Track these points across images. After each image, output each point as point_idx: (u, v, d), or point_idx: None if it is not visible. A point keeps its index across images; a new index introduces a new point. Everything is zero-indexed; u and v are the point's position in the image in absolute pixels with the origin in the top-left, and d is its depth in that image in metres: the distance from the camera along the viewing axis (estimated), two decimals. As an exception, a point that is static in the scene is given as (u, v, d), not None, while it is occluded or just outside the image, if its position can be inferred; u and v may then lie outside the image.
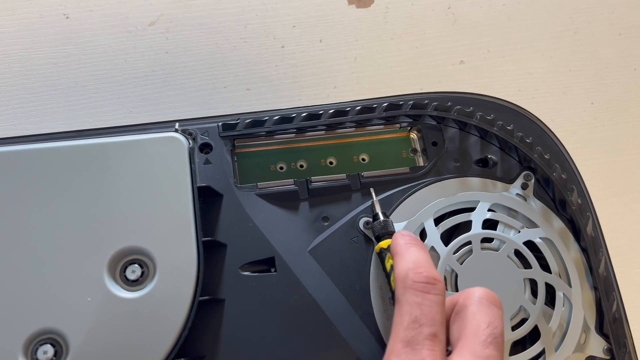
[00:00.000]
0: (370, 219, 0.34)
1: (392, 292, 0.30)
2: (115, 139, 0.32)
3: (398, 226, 0.33)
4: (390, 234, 0.32)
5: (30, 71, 0.44)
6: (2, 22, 0.45)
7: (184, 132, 0.34)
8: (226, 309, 0.31)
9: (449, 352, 0.27)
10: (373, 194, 0.34)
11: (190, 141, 0.33)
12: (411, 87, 0.47)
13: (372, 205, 0.34)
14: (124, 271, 0.30)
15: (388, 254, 0.31)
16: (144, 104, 0.44)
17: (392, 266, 0.30)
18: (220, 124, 0.35)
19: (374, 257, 0.33)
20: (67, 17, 0.45)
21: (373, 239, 0.33)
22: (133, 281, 0.30)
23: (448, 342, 0.27)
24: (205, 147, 0.35)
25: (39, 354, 0.28)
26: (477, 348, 0.25)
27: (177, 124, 0.34)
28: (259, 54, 0.46)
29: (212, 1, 0.47)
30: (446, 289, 0.31)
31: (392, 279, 0.30)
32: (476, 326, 0.26)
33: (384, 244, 0.32)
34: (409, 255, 0.28)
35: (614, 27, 0.50)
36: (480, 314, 0.26)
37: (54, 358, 0.28)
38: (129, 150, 0.31)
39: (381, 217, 0.33)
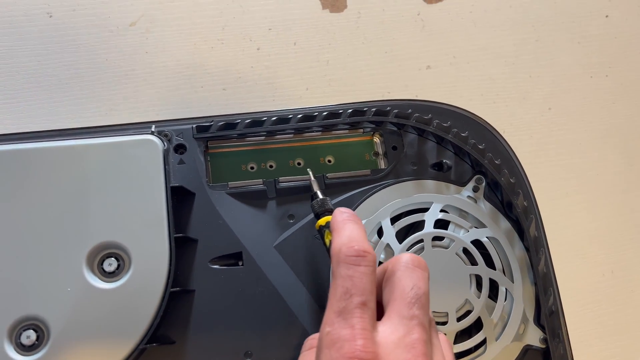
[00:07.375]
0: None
1: None
2: (94, 140, 0.34)
3: (355, 225, 0.36)
4: (329, 211, 0.34)
5: (15, 68, 0.46)
6: (-12, 21, 0.46)
7: (159, 133, 0.36)
8: (196, 299, 0.34)
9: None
10: (311, 174, 0.37)
11: (165, 142, 0.36)
12: (379, 90, 0.49)
13: (310, 185, 0.36)
14: (102, 264, 0.32)
15: (327, 231, 0.33)
16: (124, 101, 0.46)
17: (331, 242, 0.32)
18: (194, 126, 0.38)
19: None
20: (51, 16, 0.47)
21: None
22: (110, 273, 0.32)
23: (382, 307, 0.29)
24: (180, 148, 0.37)
25: (23, 338, 0.31)
26: (403, 309, 0.27)
27: (153, 126, 0.37)
28: (236, 55, 0.49)
29: (191, 3, 0.49)
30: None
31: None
32: (402, 289, 0.28)
33: (322, 221, 0.33)
34: (344, 231, 0.30)
35: (573, 36, 0.53)
36: (406, 278, 0.28)
37: (37, 342, 0.31)
38: (108, 152, 0.34)
39: (320, 196, 0.35)
